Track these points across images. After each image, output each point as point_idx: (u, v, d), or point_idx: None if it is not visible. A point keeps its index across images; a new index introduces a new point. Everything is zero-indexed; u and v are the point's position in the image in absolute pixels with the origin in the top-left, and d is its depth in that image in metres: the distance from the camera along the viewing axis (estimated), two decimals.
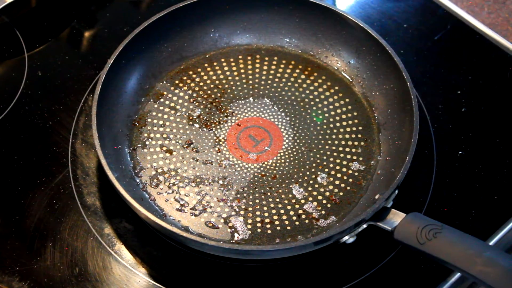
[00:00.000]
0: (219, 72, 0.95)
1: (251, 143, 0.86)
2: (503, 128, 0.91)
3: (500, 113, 0.93)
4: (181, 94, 0.92)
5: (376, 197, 0.78)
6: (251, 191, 0.82)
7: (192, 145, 0.86)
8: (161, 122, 0.89)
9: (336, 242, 0.73)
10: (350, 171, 0.83)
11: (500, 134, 0.90)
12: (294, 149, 0.85)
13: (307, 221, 0.79)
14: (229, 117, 0.89)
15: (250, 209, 0.80)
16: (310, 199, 0.80)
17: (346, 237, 0.73)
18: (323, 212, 0.79)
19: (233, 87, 0.93)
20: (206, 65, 0.95)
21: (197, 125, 0.88)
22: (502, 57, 0.99)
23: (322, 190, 0.81)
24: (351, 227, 0.71)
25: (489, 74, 0.97)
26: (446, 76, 0.98)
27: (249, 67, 0.95)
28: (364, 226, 0.72)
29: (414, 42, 1.02)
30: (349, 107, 0.90)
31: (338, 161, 0.84)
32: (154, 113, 0.90)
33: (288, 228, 0.78)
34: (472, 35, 1.02)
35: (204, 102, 0.91)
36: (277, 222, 0.79)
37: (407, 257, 0.77)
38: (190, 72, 0.94)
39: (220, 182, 0.83)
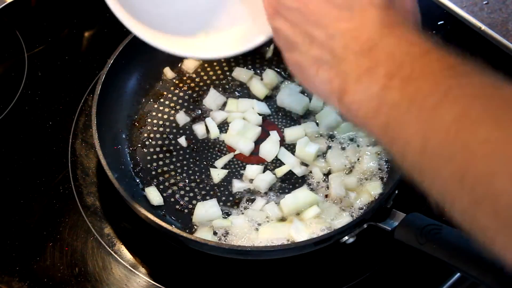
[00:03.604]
0: (219, 72, 0.95)
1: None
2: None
3: None
4: (181, 94, 0.92)
5: (376, 196, 0.78)
6: (251, 191, 0.82)
7: (192, 145, 0.86)
8: (161, 122, 0.89)
9: (336, 242, 0.73)
10: None
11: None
12: (293, 149, 0.85)
13: None
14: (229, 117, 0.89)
15: (249, 208, 0.80)
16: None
17: (346, 237, 0.73)
18: None
19: (233, 87, 0.93)
20: (206, 65, 0.95)
21: (197, 125, 0.88)
22: (502, 57, 0.99)
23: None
24: (351, 227, 0.71)
25: None
26: None
27: (249, 67, 0.95)
28: (364, 226, 0.72)
29: None
30: None
31: None
32: (154, 113, 0.90)
33: None
34: (472, 35, 1.02)
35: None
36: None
37: (407, 257, 0.77)
38: (190, 72, 0.94)
39: (220, 182, 0.83)
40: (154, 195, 0.80)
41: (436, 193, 0.41)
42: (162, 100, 0.91)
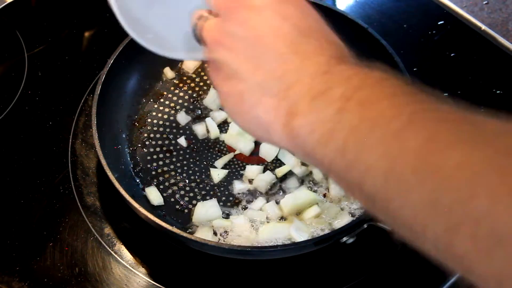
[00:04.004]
0: None
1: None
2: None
3: (500, 113, 0.93)
4: (181, 94, 0.92)
5: None
6: (251, 191, 0.82)
7: (192, 145, 0.86)
8: (161, 122, 0.89)
9: (336, 242, 0.73)
10: None
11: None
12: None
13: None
14: (229, 117, 0.89)
15: (249, 208, 0.80)
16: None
17: (346, 237, 0.73)
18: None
19: None
20: (206, 65, 0.95)
21: (197, 125, 0.88)
22: (502, 57, 0.99)
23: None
24: (351, 227, 0.71)
25: (489, 74, 0.97)
26: (446, 76, 0.97)
27: None
28: (364, 226, 0.72)
29: (414, 42, 1.02)
30: None
31: None
32: (154, 113, 0.90)
33: None
34: (472, 35, 1.02)
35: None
36: None
37: (407, 257, 0.77)
38: (190, 72, 0.94)
39: (220, 182, 0.83)
40: (154, 195, 0.80)
41: (402, 222, 0.39)
42: (162, 100, 0.91)
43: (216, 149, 0.86)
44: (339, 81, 0.43)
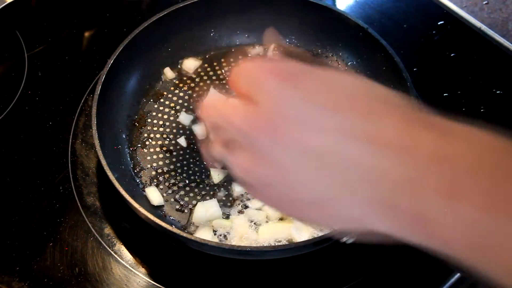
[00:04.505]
0: (219, 72, 0.94)
1: None
2: (503, 129, 0.91)
3: (500, 113, 0.93)
4: (181, 94, 0.92)
5: None
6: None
7: (192, 145, 0.86)
8: (161, 122, 0.89)
9: (336, 242, 0.73)
10: None
11: (499, 134, 0.90)
12: None
13: None
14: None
15: (249, 208, 0.80)
16: None
17: (346, 237, 0.72)
18: None
19: None
20: (206, 65, 0.95)
21: (197, 125, 0.88)
22: (502, 57, 0.99)
23: None
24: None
25: (489, 74, 0.97)
26: (446, 76, 0.98)
27: None
28: None
29: (414, 42, 1.02)
30: None
31: None
32: (154, 113, 0.90)
33: None
34: (472, 35, 1.02)
35: None
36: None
37: (408, 257, 0.77)
38: (190, 72, 0.94)
39: (220, 182, 0.83)
40: (154, 195, 0.80)
41: None
42: (162, 100, 0.91)
43: None
44: (437, 161, 0.35)
